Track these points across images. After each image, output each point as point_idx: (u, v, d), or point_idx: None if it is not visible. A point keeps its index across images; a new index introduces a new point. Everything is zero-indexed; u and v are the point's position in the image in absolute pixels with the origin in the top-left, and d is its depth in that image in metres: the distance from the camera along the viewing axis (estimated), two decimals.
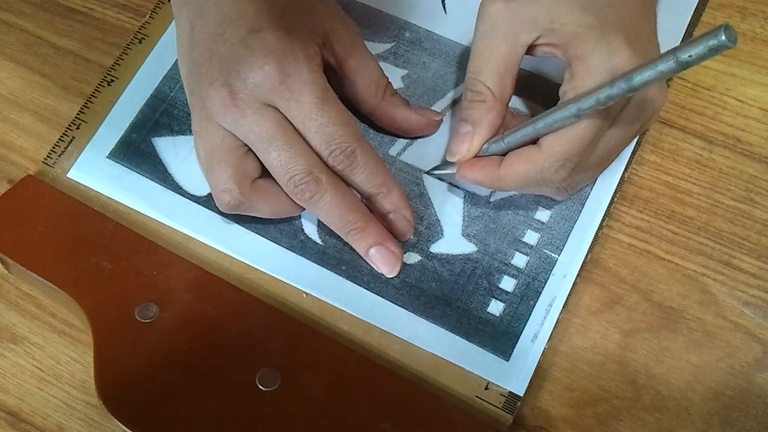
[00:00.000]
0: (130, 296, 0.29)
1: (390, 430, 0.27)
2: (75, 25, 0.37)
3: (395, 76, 0.33)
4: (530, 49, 0.29)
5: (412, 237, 0.30)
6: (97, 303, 0.29)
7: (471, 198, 0.31)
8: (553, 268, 0.30)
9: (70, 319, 0.31)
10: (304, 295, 0.30)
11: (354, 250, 0.30)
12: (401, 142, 0.33)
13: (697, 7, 0.35)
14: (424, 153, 0.32)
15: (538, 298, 0.29)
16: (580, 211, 0.31)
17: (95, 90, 0.34)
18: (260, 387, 0.28)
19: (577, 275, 0.30)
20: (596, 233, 0.31)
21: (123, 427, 0.27)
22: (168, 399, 0.28)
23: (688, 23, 0.34)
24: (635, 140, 0.31)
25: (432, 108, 0.33)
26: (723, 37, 0.21)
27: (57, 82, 0.35)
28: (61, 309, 0.31)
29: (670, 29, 0.34)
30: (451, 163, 0.30)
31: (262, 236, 0.31)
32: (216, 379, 0.28)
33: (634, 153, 0.31)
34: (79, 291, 0.29)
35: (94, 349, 0.28)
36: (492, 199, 0.31)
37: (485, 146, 0.29)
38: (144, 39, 0.35)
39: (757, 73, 0.34)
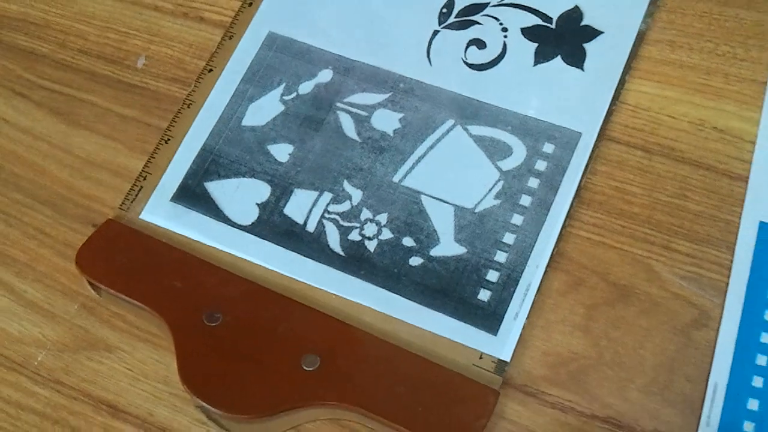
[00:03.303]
0: (198, 306, 0.36)
1: (404, 392, 0.33)
2: (135, 97, 0.43)
3: (394, 119, 0.40)
4: None
5: (414, 245, 0.38)
6: (174, 313, 0.36)
7: (459, 211, 0.38)
8: (527, 260, 0.36)
9: (151, 329, 0.37)
10: (333, 296, 0.37)
11: (369, 258, 0.37)
12: (403, 170, 0.39)
13: (634, 42, 0.40)
14: (421, 177, 0.38)
15: (516, 286, 0.35)
16: (547, 214, 0.37)
17: (156, 148, 0.41)
18: (304, 368, 0.34)
19: (547, 265, 0.35)
20: (560, 231, 0.36)
21: (203, 403, 0.34)
22: (233, 380, 0.34)
23: (627, 56, 0.40)
24: (587, 157, 0.38)
25: (421, 143, 0.39)
26: None
27: (125, 144, 0.42)
28: (143, 322, 0.37)
29: (609, 62, 0.40)
30: None
31: (298, 253, 0.38)
32: (269, 363, 0.34)
33: (587, 166, 0.37)
34: (159, 305, 0.36)
35: (176, 348, 0.35)
36: (476, 210, 0.38)
37: None
38: (191, 104, 0.42)
39: (685, 94, 0.39)
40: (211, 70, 0.43)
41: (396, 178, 0.39)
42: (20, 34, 0.47)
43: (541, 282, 0.36)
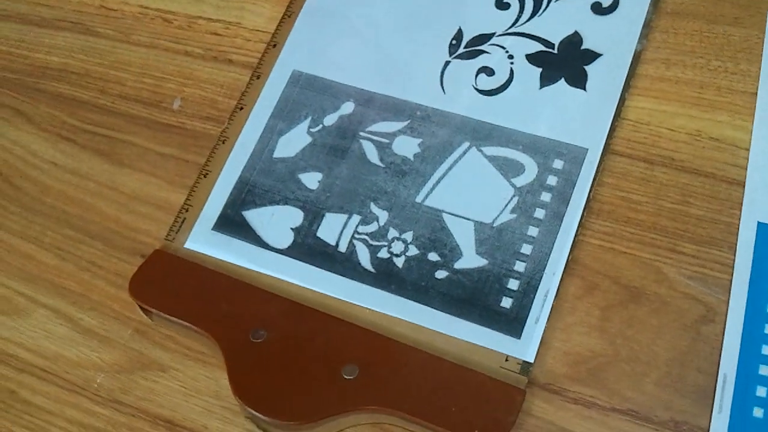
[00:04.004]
0: (244, 325, 0.39)
1: (439, 395, 0.36)
2: (173, 137, 0.45)
3: (413, 144, 0.43)
4: None
5: (439, 259, 0.41)
6: (223, 333, 0.39)
7: (479, 226, 0.41)
8: (545, 268, 0.39)
9: (201, 349, 0.39)
10: (367, 310, 0.39)
11: (398, 273, 0.40)
12: (424, 191, 0.42)
13: (632, 62, 0.43)
14: (442, 197, 0.41)
15: (536, 292, 0.38)
16: (560, 225, 0.39)
17: (195, 182, 0.43)
18: (345, 377, 0.37)
19: (563, 272, 0.38)
20: (573, 240, 0.38)
21: (254, 412, 0.36)
22: (280, 390, 0.37)
23: (626, 76, 0.43)
24: (594, 170, 0.41)
25: (440, 166, 0.42)
26: None
27: (166, 179, 0.44)
28: (193, 342, 0.39)
29: (609, 82, 0.43)
30: None
31: (332, 272, 0.40)
32: (312, 374, 0.37)
33: (594, 179, 0.40)
34: (208, 326, 0.39)
35: (226, 364, 0.38)
36: (495, 225, 0.41)
37: None
38: (226, 140, 0.45)
39: (682, 108, 0.41)
40: (242, 108, 0.46)
41: (419, 199, 0.42)
42: (63, 83, 0.50)
43: (558, 288, 0.38)
